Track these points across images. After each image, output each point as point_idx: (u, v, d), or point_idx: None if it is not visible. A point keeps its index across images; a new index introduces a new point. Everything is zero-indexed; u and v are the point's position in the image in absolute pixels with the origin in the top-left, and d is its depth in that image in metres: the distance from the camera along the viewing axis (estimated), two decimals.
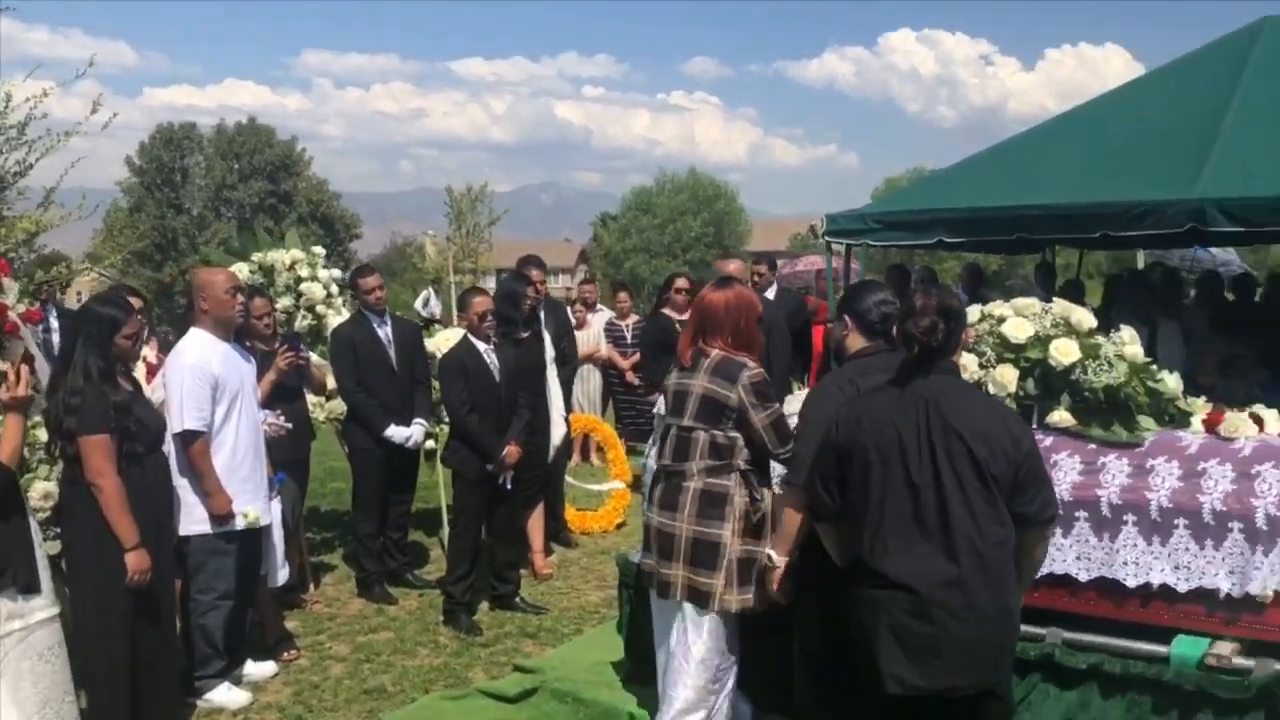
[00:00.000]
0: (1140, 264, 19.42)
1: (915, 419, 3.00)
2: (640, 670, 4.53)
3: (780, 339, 6.97)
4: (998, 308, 4.22)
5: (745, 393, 3.74)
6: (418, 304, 11.57)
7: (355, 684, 5.05)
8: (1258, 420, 3.85)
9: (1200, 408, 3.98)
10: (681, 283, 8.86)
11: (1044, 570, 3.80)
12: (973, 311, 4.23)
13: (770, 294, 7.63)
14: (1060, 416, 4.00)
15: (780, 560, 3.58)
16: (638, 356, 10.04)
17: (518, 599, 6.10)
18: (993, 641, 3.00)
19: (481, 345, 5.89)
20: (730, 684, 3.91)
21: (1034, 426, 4.03)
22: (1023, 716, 3.85)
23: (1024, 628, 3.75)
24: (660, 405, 4.61)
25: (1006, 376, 4.01)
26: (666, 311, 8.45)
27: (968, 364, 4.05)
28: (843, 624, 3.15)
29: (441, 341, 6.72)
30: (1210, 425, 3.88)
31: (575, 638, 5.59)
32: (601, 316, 10.69)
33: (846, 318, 3.57)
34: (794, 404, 4.66)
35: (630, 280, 27.91)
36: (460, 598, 5.82)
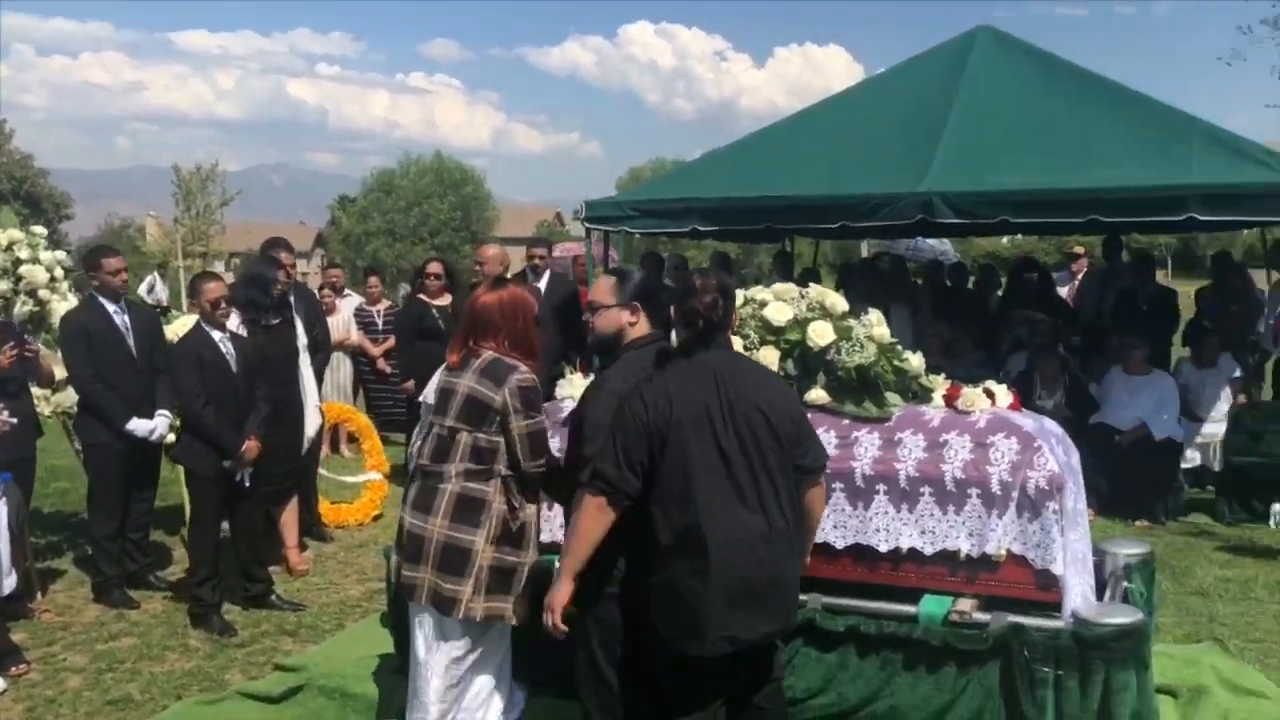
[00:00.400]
0: (864, 253, 20.80)
1: (713, 392, 3.14)
2: (409, 663, 4.44)
3: (549, 326, 7.00)
4: (759, 292, 4.41)
5: (511, 396, 3.60)
6: (141, 290, 10.77)
7: (97, 695, 4.67)
8: (990, 395, 4.20)
9: (940, 384, 4.31)
10: (435, 267, 8.74)
11: None
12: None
13: (543, 281, 7.64)
14: (817, 394, 4.23)
15: (566, 590, 3.28)
16: (390, 343, 9.83)
17: (272, 596, 5.83)
18: (795, 589, 3.32)
19: (217, 334, 5.56)
20: (481, 685, 3.82)
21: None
22: (786, 680, 4.06)
23: None
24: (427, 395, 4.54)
25: (768, 358, 4.19)
26: (421, 297, 8.32)
27: (733, 346, 4.21)
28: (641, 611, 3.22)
29: (180, 329, 6.30)
30: (950, 400, 4.21)
31: (338, 633, 5.40)
32: (350, 302, 10.37)
33: (639, 305, 3.51)
34: (566, 388, 4.70)
35: (373, 265, 27.09)
36: (209, 599, 5.50)
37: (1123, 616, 3.73)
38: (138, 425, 5.78)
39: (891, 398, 4.22)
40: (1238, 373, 8.27)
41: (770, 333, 4.26)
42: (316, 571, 6.50)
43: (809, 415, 4.15)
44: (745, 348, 4.24)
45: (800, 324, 4.24)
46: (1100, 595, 4.15)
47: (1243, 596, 5.85)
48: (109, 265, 5.87)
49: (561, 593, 3.25)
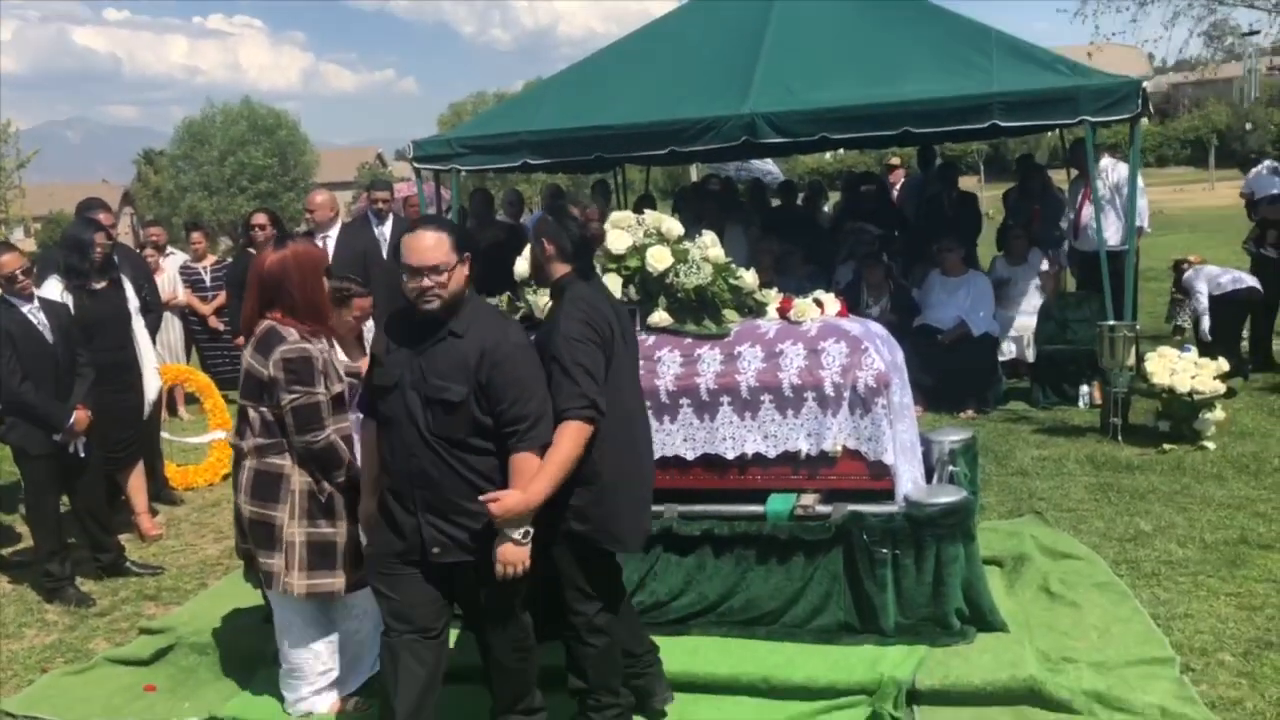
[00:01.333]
0: (694, 177, 21.15)
1: (612, 310, 3.45)
2: None
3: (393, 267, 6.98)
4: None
5: (275, 369, 3.54)
6: None
7: None
8: (820, 304, 4.47)
9: (773, 298, 4.55)
10: (260, 218, 8.57)
11: (656, 454, 4.24)
12: None
13: (388, 226, 7.56)
14: (659, 317, 4.41)
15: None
16: (220, 299, 9.58)
17: (127, 563, 5.73)
18: None
19: (25, 306, 5.33)
20: (321, 650, 3.88)
21: (637, 328, 4.43)
22: (649, 585, 4.30)
23: None
24: None
25: (611, 284, 4.33)
26: (250, 250, 8.13)
27: None
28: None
29: None
30: (783, 312, 4.45)
31: (201, 592, 5.37)
32: (174, 260, 10.01)
33: (546, 242, 3.44)
34: None
35: (194, 220, 25.89)
36: (59, 573, 5.37)
37: (948, 496, 4.09)
38: None
39: (729, 314, 4.44)
40: (1045, 266, 8.88)
41: (611, 260, 4.40)
42: (171, 535, 6.40)
43: (653, 338, 4.38)
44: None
45: (639, 250, 4.39)
46: (929, 480, 4.50)
47: (1057, 472, 6.40)
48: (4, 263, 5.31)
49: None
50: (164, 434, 7.25)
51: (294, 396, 3.56)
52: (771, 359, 4.25)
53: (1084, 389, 7.97)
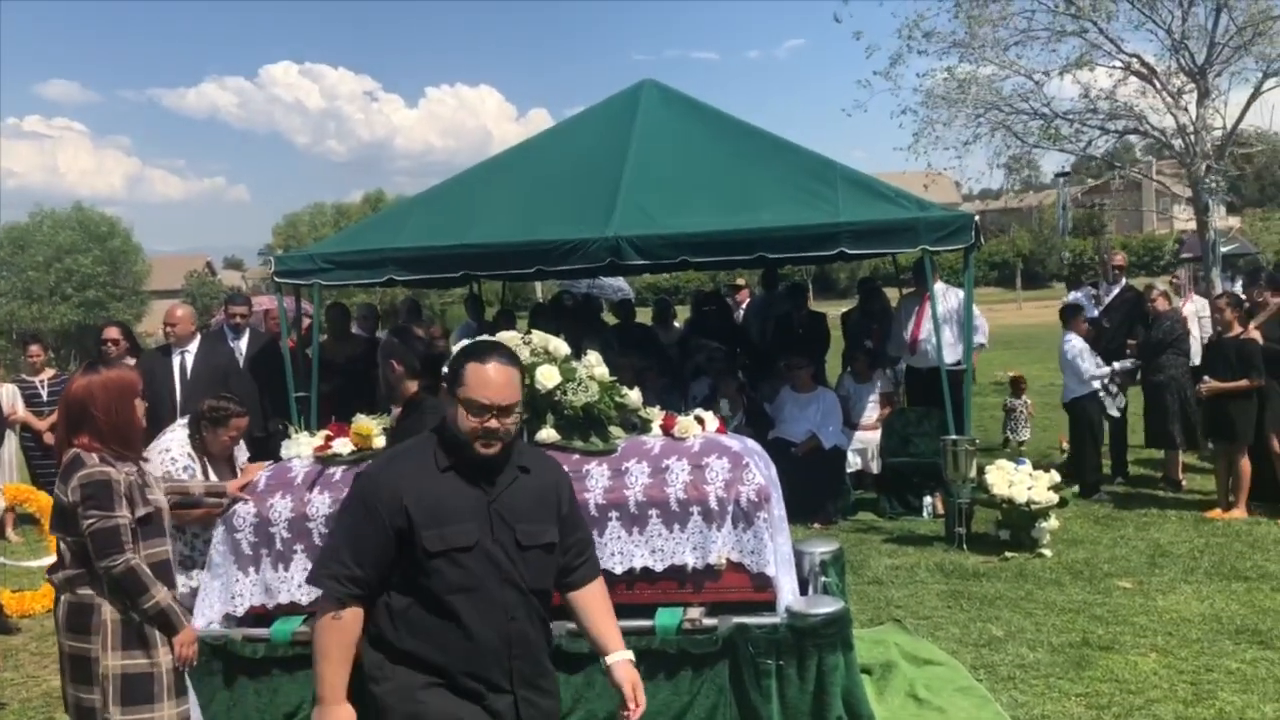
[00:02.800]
0: (538, 293, 21.38)
1: None
2: None
3: (251, 385, 6.88)
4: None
5: (73, 494, 3.45)
6: None
7: None
8: (700, 421, 4.66)
9: (657, 415, 4.72)
10: (112, 332, 8.30)
11: None
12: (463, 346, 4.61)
13: (244, 341, 7.45)
14: (547, 434, 4.51)
15: None
16: (55, 416, 9.14)
17: None
18: None
19: None
20: None
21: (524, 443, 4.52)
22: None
23: None
24: None
25: None
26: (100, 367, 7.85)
27: None
28: None
29: None
30: (666, 428, 4.62)
31: None
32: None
33: (395, 362, 3.59)
34: (293, 448, 4.72)
35: (31, 331, 24.52)
36: None
37: (827, 606, 4.28)
38: None
39: (615, 431, 4.58)
40: (882, 386, 9.40)
41: None
42: (9, 667, 6.00)
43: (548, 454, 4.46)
44: None
45: (528, 369, 4.50)
46: (804, 589, 4.69)
47: (910, 580, 6.72)
48: None
49: None
50: None
51: (90, 521, 3.44)
52: (658, 474, 4.40)
53: (927, 499, 8.41)
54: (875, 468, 9.01)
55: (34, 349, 9.66)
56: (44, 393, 9.37)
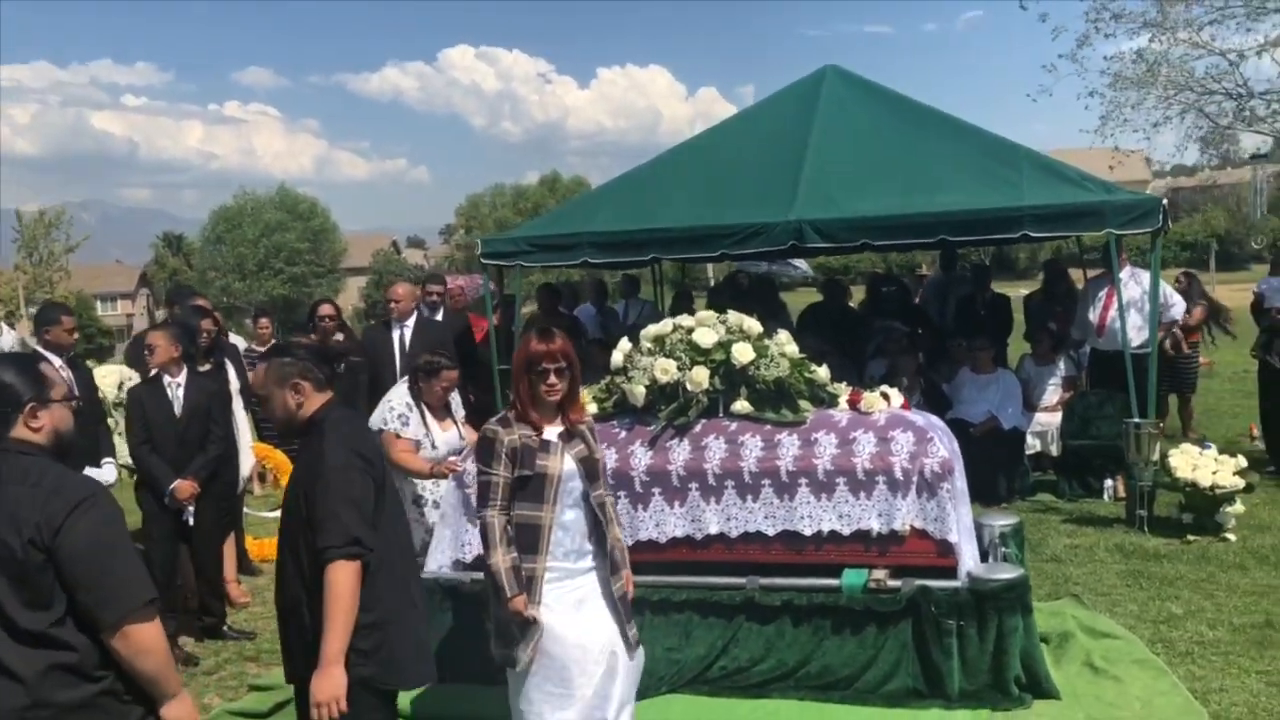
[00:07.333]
0: (710, 271, 21.68)
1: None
2: None
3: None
4: (685, 320, 5.05)
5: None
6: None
7: None
8: (886, 397, 4.96)
9: (844, 390, 5.04)
10: (327, 308, 9.05)
11: (740, 530, 4.72)
12: (665, 324, 5.05)
13: (439, 316, 8.09)
14: (741, 405, 4.90)
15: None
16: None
17: (225, 627, 6.15)
18: None
19: (169, 380, 5.86)
20: None
21: (720, 416, 4.91)
22: (732, 651, 4.72)
23: (726, 579, 4.65)
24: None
25: (700, 376, 4.84)
26: (313, 338, 8.60)
27: (667, 367, 4.86)
28: None
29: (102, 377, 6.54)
30: (853, 403, 4.94)
31: None
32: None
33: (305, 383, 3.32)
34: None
35: (261, 306, 26.61)
36: (167, 632, 5.77)
37: (1008, 573, 4.53)
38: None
39: (804, 404, 4.92)
40: (1065, 369, 9.37)
41: (699, 354, 4.90)
42: (257, 601, 6.79)
43: (737, 424, 4.86)
44: (679, 369, 4.88)
45: (724, 345, 4.90)
46: (984, 559, 4.93)
47: (1089, 559, 6.81)
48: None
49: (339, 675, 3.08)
50: (245, 508, 7.68)
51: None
52: (845, 445, 4.72)
53: (1108, 482, 8.40)
54: (1055, 450, 9.02)
55: (264, 322, 10.62)
56: None
